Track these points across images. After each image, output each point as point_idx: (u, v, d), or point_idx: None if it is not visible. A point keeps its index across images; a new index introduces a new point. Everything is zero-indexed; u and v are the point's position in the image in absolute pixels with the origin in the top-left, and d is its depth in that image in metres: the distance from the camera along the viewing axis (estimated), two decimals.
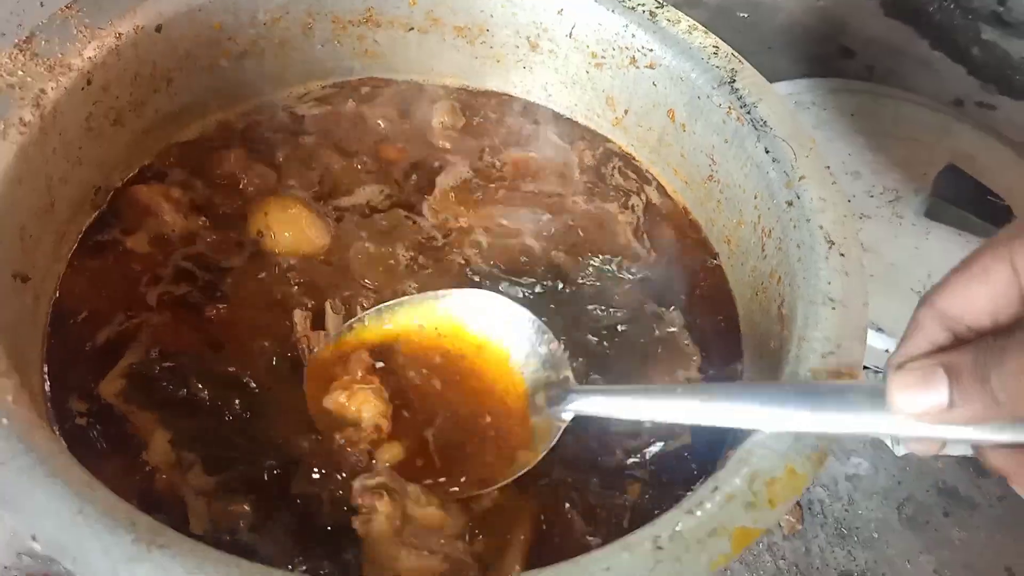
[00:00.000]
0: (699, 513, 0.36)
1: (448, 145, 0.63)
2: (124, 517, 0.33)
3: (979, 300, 0.33)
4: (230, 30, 0.58)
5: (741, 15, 1.08)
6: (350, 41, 0.64)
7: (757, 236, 0.53)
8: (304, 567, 0.41)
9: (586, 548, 0.36)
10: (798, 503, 0.68)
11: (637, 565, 0.34)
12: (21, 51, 0.47)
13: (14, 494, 0.33)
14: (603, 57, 0.62)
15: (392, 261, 0.55)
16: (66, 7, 0.50)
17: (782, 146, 0.52)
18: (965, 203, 0.79)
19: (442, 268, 0.55)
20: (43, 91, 0.46)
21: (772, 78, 0.57)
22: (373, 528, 0.41)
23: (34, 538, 0.32)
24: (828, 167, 0.51)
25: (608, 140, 0.65)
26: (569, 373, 0.47)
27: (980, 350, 0.32)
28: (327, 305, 0.51)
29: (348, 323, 0.49)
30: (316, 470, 0.44)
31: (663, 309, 0.55)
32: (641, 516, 0.41)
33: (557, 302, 0.54)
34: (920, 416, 0.33)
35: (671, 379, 0.52)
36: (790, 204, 0.50)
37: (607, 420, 0.46)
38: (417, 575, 0.41)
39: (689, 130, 0.59)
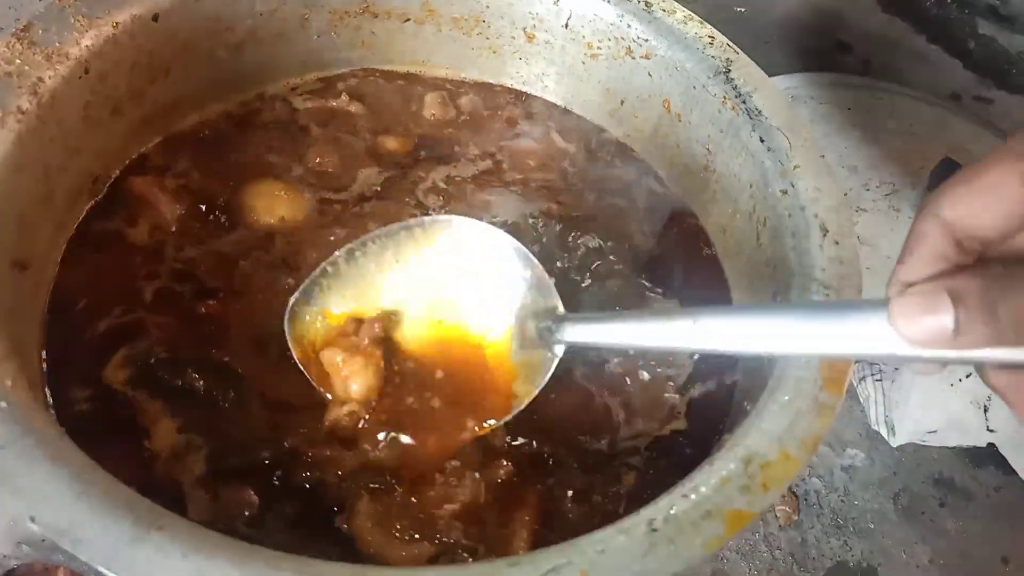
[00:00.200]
0: (694, 496, 0.36)
1: (443, 136, 0.63)
2: (124, 500, 0.33)
3: (987, 214, 0.32)
4: (227, 20, 0.58)
5: (738, 9, 1.08)
6: (347, 32, 0.64)
7: (752, 225, 0.53)
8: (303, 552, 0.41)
9: (584, 531, 0.36)
10: (794, 494, 0.68)
11: (632, 546, 0.34)
12: (19, 39, 0.47)
13: (14, 477, 0.33)
14: (599, 48, 0.62)
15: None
16: None
17: (777, 135, 0.52)
18: None
19: None
20: (41, 79, 0.47)
21: (768, 72, 0.57)
22: (357, 524, 0.41)
23: (33, 520, 0.32)
24: (823, 156, 0.51)
25: (604, 130, 0.66)
26: (558, 302, 0.45)
27: (987, 277, 0.31)
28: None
29: (321, 265, 0.47)
30: (309, 460, 0.44)
31: (658, 298, 0.56)
32: (637, 502, 0.42)
33: None
34: (924, 343, 0.32)
35: (663, 370, 0.52)
36: (785, 193, 0.50)
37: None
38: (409, 561, 0.41)
39: (685, 120, 0.59)
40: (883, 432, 0.71)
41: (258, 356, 0.48)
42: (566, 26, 0.63)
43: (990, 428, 0.69)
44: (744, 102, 0.54)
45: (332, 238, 0.54)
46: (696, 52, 0.57)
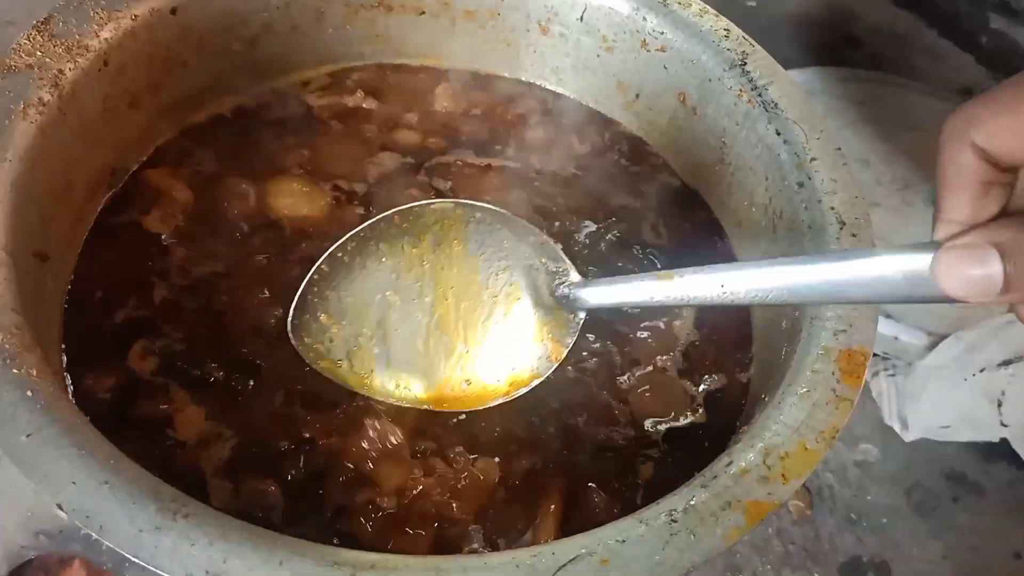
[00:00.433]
0: (713, 487, 0.36)
1: (456, 129, 0.63)
2: (148, 487, 0.33)
3: (1018, 138, 0.31)
4: (243, 14, 0.59)
5: (749, 4, 1.08)
6: (361, 25, 0.64)
7: (768, 218, 0.53)
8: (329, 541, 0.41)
9: (606, 522, 0.36)
10: (808, 489, 0.68)
11: (652, 537, 0.35)
12: (39, 32, 0.47)
13: (41, 464, 0.33)
14: (614, 41, 0.62)
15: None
16: None
17: (793, 128, 0.52)
18: None
19: None
20: (61, 72, 0.47)
21: None
22: (378, 516, 0.42)
23: (60, 507, 0.32)
24: (839, 148, 0.51)
25: (618, 124, 0.66)
26: (569, 265, 0.47)
27: None
28: None
29: (317, 264, 0.48)
30: (330, 451, 0.44)
31: None
32: (658, 493, 0.42)
33: None
34: (969, 296, 0.31)
35: (679, 362, 0.52)
36: (801, 185, 0.50)
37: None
38: (431, 551, 0.41)
39: (700, 113, 0.59)
40: (896, 427, 0.71)
41: (276, 348, 0.48)
42: (581, 19, 0.63)
43: (1003, 423, 0.69)
44: (760, 95, 0.54)
45: (346, 232, 0.54)
46: (712, 45, 0.57)
